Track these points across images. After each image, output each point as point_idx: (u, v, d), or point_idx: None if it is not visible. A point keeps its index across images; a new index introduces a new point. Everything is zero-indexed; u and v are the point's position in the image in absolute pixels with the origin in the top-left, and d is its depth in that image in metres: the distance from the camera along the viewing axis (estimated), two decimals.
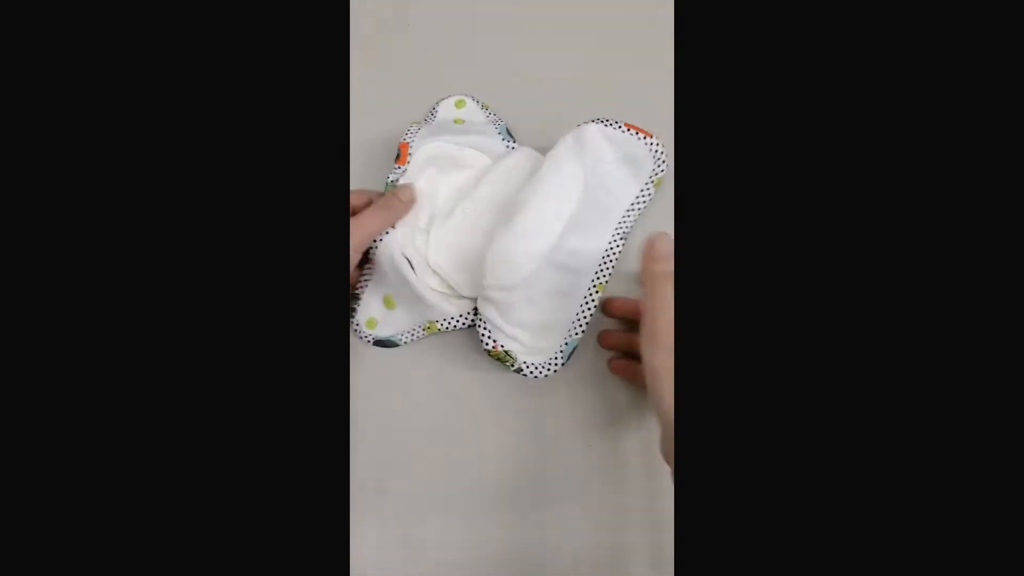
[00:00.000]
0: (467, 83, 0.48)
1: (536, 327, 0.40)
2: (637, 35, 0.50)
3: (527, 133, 0.46)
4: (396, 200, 0.40)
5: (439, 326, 0.42)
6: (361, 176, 0.45)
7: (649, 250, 0.32)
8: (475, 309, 0.41)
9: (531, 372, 0.40)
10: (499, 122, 0.46)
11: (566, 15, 0.51)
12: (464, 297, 0.42)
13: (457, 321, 0.42)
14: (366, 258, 0.41)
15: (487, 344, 0.39)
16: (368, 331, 0.43)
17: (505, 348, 0.39)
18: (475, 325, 0.40)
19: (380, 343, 0.43)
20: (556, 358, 0.40)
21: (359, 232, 0.37)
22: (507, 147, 0.44)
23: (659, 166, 0.42)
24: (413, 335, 0.43)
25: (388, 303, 0.43)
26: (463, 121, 0.46)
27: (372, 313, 0.43)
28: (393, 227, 0.39)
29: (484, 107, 0.46)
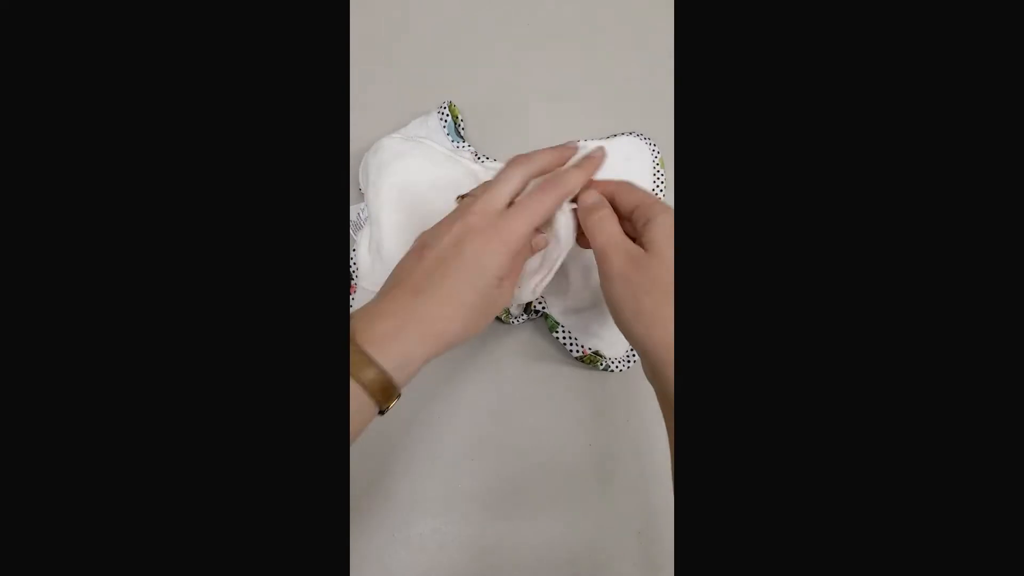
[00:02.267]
0: (465, 88, 0.49)
1: (607, 323, 0.40)
2: (638, 40, 0.50)
3: (525, 137, 0.46)
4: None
5: None
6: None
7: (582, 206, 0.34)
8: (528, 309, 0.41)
9: (617, 367, 0.41)
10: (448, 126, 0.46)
11: (565, 19, 0.51)
12: None
13: None
14: None
15: (576, 352, 0.40)
16: None
17: (594, 350, 0.40)
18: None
19: None
20: (630, 350, 0.41)
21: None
22: (455, 145, 0.44)
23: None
24: None
25: None
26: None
27: None
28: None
29: (450, 116, 0.46)
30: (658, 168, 0.43)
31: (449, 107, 0.45)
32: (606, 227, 0.32)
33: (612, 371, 0.41)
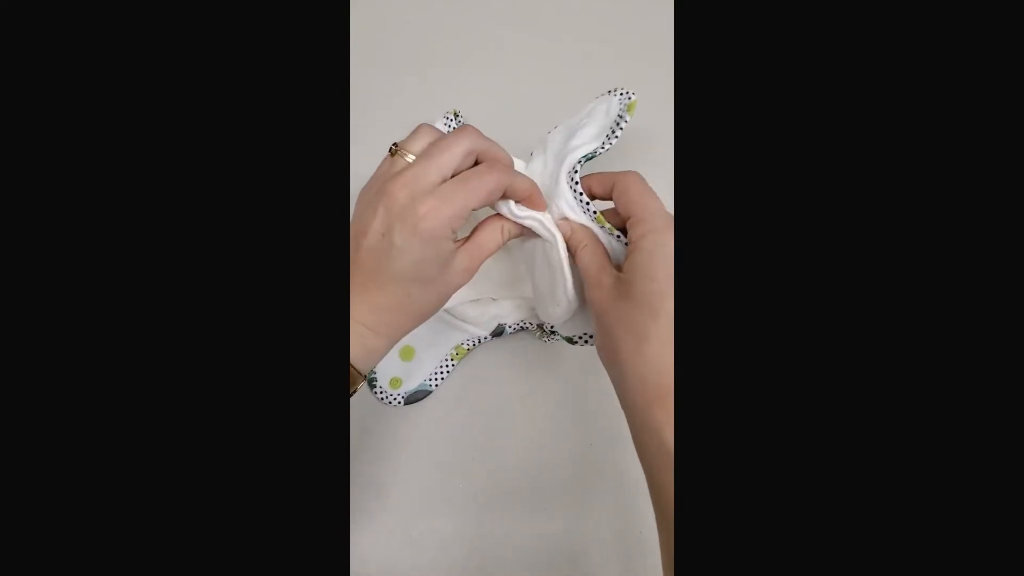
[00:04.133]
0: (466, 92, 0.48)
1: None
2: (638, 41, 0.50)
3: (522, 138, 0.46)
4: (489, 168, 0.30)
5: (466, 347, 0.42)
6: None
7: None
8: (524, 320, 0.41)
9: None
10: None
11: (566, 21, 0.51)
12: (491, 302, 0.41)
13: (481, 338, 0.42)
14: None
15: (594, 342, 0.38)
16: (394, 392, 0.41)
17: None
18: (497, 335, 0.41)
19: (412, 399, 0.41)
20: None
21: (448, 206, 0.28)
22: None
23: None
24: (442, 372, 0.42)
25: (406, 355, 0.42)
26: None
27: (393, 373, 0.42)
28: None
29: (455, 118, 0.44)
30: (622, 114, 0.35)
31: (454, 115, 0.44)
32: (585, 257, 0.32)
33: None
